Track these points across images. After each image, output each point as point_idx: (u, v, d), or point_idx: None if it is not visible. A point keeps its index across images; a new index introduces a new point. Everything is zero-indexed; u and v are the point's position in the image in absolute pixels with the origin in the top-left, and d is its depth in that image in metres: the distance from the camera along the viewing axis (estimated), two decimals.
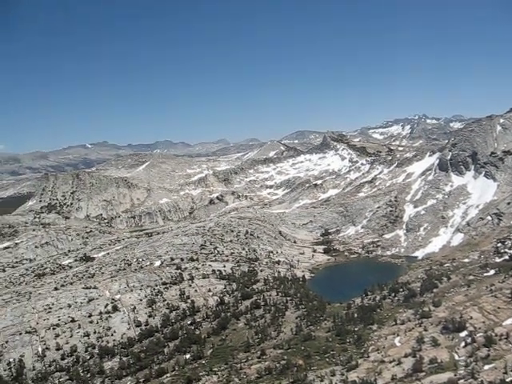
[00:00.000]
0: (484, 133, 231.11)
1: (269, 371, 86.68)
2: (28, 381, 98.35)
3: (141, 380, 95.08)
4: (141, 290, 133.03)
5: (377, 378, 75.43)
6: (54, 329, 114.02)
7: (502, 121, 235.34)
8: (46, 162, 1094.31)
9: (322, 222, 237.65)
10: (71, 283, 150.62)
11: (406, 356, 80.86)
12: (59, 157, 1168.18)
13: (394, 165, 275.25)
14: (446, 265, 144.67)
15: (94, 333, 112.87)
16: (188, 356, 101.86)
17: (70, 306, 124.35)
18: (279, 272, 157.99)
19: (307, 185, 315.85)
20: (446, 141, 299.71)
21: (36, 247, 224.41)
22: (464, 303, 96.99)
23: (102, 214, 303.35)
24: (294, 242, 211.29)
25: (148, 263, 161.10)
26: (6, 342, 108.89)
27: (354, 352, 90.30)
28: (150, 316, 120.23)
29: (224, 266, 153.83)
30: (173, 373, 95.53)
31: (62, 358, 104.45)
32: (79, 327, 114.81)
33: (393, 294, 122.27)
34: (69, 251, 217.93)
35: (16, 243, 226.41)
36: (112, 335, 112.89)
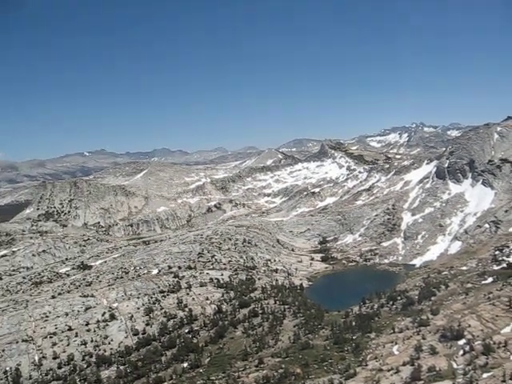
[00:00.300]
0: (481, 141, 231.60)
1: (267, 380, 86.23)
2: None
3: None
4: (138, 298, 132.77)
5: None
6: (50, 337, 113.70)
7: (499, 129, 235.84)
8: (44, 169, 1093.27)
9: (319, 230, 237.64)
10: (68, 291, 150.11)
11: (404, 364, 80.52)
12: (57, 165, 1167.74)
13: (392, 173, 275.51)
14: (443, 273, 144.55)
15: (91, 341, 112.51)
16: (185, 365, 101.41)
17: (67, 314, 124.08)
18: (277, 280, 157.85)
19: (305, 193, 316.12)
20: (444, 149, 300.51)
21: (33, 255, 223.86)
22: (462, 311, 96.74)
23: (99, 222, 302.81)
24: (292, 250, 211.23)
25: (145, 271, 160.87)
26: (3, 350, 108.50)
27: (352, 360, 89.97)
28: (147, 324, 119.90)
29: (222, 275, 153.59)
30: (170, 382, 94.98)
31: (59, 367, 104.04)
32: (76, 336, 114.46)
33: (391, 302, 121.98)
34: (66, 259, 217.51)
35: (13, 251, 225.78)
36: (109, 344, 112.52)
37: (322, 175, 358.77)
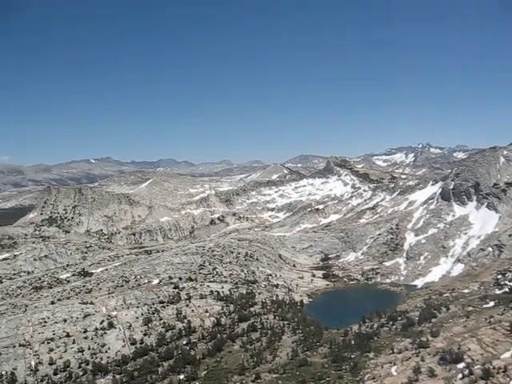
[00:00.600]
0: (487, 164, 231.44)
1: None
2: None
3: None
4: (137, 307, 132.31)
5: None
6: (48, 343, 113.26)
7: (505, 152, 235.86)
8: (49, 175, 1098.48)
9: (322, 246, 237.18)
10: (68, 298, 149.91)
11: None
12: (63, 170, 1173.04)
13: (397, 192, 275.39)
14: (445, 295, 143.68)
15: (89, 349, 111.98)
16: (182, 376, 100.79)
17: (65, 320, 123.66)
18: (277, 295, 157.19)
19: (309, 209, 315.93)
20: (449, 170, 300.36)
21: (35, 260, 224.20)
22: (462, 334, 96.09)
23: (102, 230, 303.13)
24: (294, 266, 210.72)
25: (146, 281, 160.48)
26: (0, 354, 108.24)
27: (350, 379, 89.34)
28: (145, 334, 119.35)
29: (222, 287, 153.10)
30: None
31: (55, 373, 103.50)
32: (74, 342, 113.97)
33: (391, 323, 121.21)
34: (67, 265, 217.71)
35: (15, 255, 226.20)
36: (106, 352, 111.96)
37: (327, 192, 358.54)
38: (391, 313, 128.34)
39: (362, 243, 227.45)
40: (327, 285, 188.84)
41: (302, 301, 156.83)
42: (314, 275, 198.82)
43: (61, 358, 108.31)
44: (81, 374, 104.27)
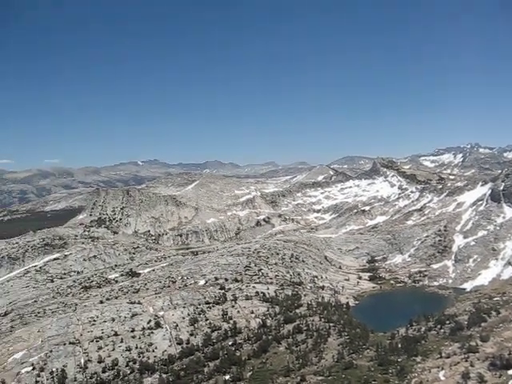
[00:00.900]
0: None
1: None
2: None
3: None
4: (184, 308, 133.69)
5: None
6: (97, 341, 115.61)
7: None
8: (98, 177, 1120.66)
9: (368, 248, 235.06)
10: (116, 297, 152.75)
11: None
12: (111, 172, 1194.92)
13: (445, 194, 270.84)
14: (495, 298, 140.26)
15: (136, 348, 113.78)
16: (227, 377, 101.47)
17: (113, 319, 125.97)
18: (323, 297, 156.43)
19: (355, 210, 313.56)
20: (500, 171, 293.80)
21: (84, 260, 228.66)
22: None
23: (149, 231, 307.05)
24: (340, 268, 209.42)
25: (192, 282, 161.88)
26: (51, 351, 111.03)
27: (397, 383, 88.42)
28: (191, 334, 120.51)
29: (268, 289, 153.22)
30: None
31: (103, 371, 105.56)
32: (121, 341, 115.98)
33: (439, 326, 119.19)
34: (115, 266, 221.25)
35: (65, 255, 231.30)
36: (153, 351, 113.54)
37: (373, 193, 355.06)
38: (439, 316, 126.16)
39: (409, 245, 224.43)
40: (373, 287, 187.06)
41: (347, 303, 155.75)
42: (360, 277, 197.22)
43: (109, 356, 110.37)
44: (128, 372, 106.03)
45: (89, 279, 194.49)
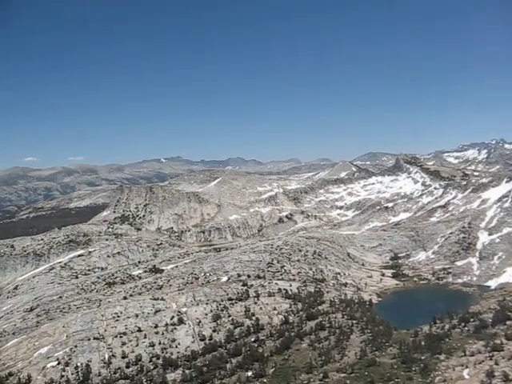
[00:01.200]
0: None
1: None
2: None
3: None
4: (207, 304, 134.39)
5: None
6: (120, 337, 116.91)
7: None
8: (122, 174, 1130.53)
9: (391, 245, 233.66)
10: (139, 293, 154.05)
11: None
12: (134, 170, 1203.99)
13: (469, 190, 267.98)
14: None
15: (159, 344, 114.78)
16: (250, 373, 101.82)
17: (137, 315, 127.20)
18: (346, 294, 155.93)
19: (378, 207, 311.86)
20: None
21: (108, 256, 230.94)
22: None
23: (172, 228, 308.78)
24: (362, 265, 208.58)
25: (215, 278, 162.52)
26: (75, 346, 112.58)
27: (420, 381, 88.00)
28: (214, 331, 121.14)
29: (290, 285, 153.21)
30: None
31: (127, 366, 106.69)
32: (145, 337, 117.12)
33: (463, 324, 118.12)
34: (139, 262, 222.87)
35: (89, 251, 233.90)
36: (176, 347, 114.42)
37: (396, 190, 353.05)
38: (463, 314, 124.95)
39: (432, 242, 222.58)
40: (397, 284, 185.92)
41: (370, 300, 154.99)
42: (383, 274, 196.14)
43: (133, 351, 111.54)
44: (152, 367, 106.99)
45: (113, 275, 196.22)
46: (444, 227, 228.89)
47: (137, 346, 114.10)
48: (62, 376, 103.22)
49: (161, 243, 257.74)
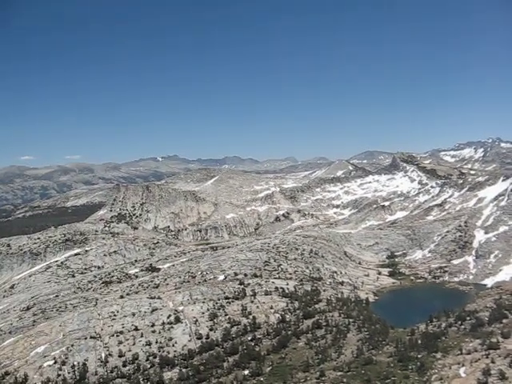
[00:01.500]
0: None
1: None
2: None
3: None
4: (203, 303, 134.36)
5: None
6: (117, 336, 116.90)
7: None
8: (118, 173, 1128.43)
9: (388, 244, 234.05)
10: (136, 292, 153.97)
11: None
12: (131, 168, 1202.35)
13: (465, 189, 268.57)
14: None
15: (156, 342, 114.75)
16: (247, 372, 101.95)
17: (134, 314, 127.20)
18: (342, 293, 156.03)
19: (374, 206, 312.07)
20: None
21: (104, 255, 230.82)
22: None
23: (169, 226, 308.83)
24: (359, 264, 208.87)
25: (212, 277, 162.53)
26: (72, 345, 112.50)
27: (416, 380, 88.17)
28: (211, 329, 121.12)
29: (287, 284, 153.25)
30: None
31: (124, 365, 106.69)
32: (142, 336, 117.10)
33: (459, 322, 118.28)
34: (135, 261, 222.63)
35: (86, 250, 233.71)
36: (173, 346, 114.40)
37: (393, 188, 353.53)
38: (460, 312, 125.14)
39: (429, 241, 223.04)
40: (393, 283, 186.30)
41: (367, 299, 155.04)
42: (379, 273, 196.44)
43: (129, 350, 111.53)
44: (148, 366, 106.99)
45: (109, 274, 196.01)
46: (440, 226, 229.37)
47: (133, 344, 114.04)
48: (59, 375, 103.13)
49: (157, 242, 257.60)
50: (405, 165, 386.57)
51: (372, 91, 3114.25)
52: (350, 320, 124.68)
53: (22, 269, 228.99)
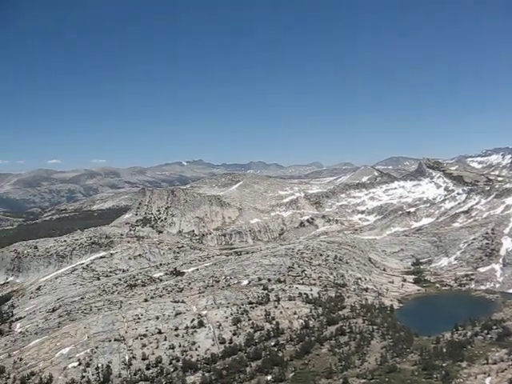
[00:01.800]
0: None
1: None
2: None
3: None
4: (227, 307, 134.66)
5: None
6: (141, 339, 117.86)
7: None
8: (144, 177, 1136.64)
9: (413, 251, 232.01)
10: (160, 296, 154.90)
11: None
12: (156, 173, 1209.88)
13: (493, 195, 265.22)
14: None
15: (179, 346, 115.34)
16: (269, 377, 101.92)
17: (157, 317, 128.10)
18: (367, 299, 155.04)
19: (400, 212, 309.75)
20: None
21: (129, 258, 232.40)
22: None
23: (193, 231, 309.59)
24: (384, 270, 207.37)
25: (236, 281, 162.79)
26: (96, 347, 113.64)
27: None
28: (234, 334, 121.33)
29: (311, 290, 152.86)
30: None
31: (147, 368, 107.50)
32: (165, 339, 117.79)
33: (485, 331, 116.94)
34: (160, 264, 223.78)
35: (111, 253, 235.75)
36: (196, 350, 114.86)
37: (419, 195, 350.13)
38: (486, 321, 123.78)
39: (455, 248, 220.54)
40: (418, 290, 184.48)
41: (391, 306, 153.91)
42: (404, 280, 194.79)
43: (153, 353, 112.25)
44: (171, 370, 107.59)
45: (134, 277, 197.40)
46: (467, 233, 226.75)
47: (157, 348, 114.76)
48: (83, 377, 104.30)
49: (182, 246, 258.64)
50: (431, 171, 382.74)
51: (398, 97, 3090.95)
52: (374, 327, 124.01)
53: (48, 271, 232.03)
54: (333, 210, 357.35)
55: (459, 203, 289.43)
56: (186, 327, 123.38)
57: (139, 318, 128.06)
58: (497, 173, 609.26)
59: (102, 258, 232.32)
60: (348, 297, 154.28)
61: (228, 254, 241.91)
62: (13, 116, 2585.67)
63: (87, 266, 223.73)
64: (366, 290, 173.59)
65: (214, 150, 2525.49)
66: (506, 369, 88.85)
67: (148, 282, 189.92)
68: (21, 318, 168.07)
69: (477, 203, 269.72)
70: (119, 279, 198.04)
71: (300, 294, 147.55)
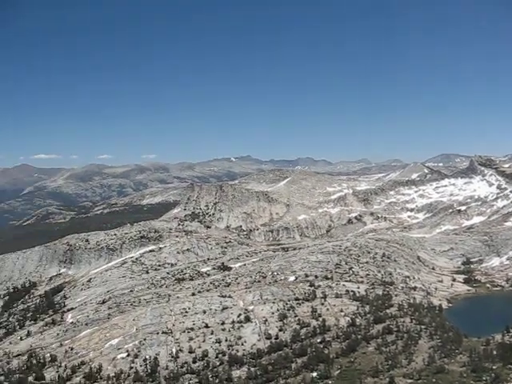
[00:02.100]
0: None
1: None
2: (161, 379, 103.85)
3: None
4: (273, 303, 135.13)
5: None
6: (188, 332, 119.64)
7: None
8: (193, 172, 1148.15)
9: (463, 250, 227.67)
10: (208, 290, 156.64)
11: None
12: (205, 168, 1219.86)
13: None
14: None
15: (226, 340, 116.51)
16: (315, 374, 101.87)
17: (204, 312, 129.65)
18: (415, 298, 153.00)
19: (450, 210, 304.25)
20: None
21: (178, 253, 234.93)
22: None
23: (241, 226, 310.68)
24: (433, 269, 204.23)
25: (282, 277, 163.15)
26: (145, 339, 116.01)
27: None
28: (280, 330, 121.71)
29: (358, 287, 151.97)
30: None
31: (194, 361, 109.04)
32: (212, 333, 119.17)
33: None
34: (208, 259, 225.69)
35: (160, 247, 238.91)
36: (242, 345, 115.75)
37: (470, 193, 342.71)
38: None
39: (507, 248, 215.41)
40: (468, 290, 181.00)
41: (440, 305, 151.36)
42: (454, 279, 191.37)
43: (199, 347, 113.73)
44: (218, 364, 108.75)
45: (182, 271, 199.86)
46: None
47: (204, 341, 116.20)
48: (131, 367, 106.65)
49: (229, 241, 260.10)
50: (483, 168, 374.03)
51: (449, 93, 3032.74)
52: (422, 326, 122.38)
53: (99, 263, 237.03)
54: (381, 207, 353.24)
55: None
56: (233, 322, 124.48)
57: (186, 312, 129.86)
58: None
59: (150, 251, 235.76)
60: (396, 295, 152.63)
61: (275, 249, 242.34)
62: (68, 112, 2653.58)
63: (136, 259, 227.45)
64: (414, 288, 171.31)
65: (263, 146, 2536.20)
66: None
67: (196, 276, 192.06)
68: (72, 309, 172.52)
69: None
70: (167, 273, 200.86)
71: (347, 291, 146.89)
